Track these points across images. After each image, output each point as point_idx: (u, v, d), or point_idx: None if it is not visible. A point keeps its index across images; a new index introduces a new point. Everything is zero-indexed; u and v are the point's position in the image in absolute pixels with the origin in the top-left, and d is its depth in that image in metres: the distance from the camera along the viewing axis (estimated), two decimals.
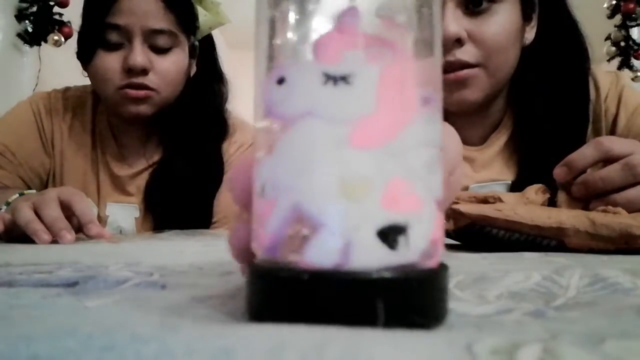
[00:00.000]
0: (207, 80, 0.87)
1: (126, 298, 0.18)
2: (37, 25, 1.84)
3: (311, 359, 0.10)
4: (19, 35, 1.84)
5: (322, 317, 0.13)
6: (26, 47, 1.88)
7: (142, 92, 0.77)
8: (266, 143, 0.15)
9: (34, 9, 1.84)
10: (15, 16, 1.83)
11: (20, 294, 0.19)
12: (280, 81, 0.14)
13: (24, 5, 1.83)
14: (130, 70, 0.75)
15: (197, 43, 0.85)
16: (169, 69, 0.78)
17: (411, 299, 0.13)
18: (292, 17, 0.15)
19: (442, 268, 0.14)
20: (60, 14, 1.85)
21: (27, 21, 1.84)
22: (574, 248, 0.37)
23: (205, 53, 0.87)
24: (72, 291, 0.20)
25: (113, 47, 0.76)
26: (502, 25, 0.63)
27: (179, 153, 0.82)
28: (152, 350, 0.11)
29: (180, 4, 0.78)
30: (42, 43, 1.87)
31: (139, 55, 0.75)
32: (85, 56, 0.78)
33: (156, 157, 0.84)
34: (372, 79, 0.14)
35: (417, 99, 0.14)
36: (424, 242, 0.14)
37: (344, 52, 0.14)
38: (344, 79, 0.14)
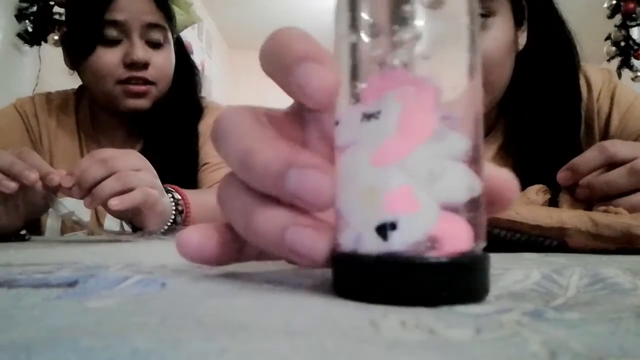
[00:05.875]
0: (182, 73, 0.92)
1: (126, 298, 0.18)
2: (37, 25, 1.84)
3: None
4: (19, 35, 1.84)
5: (342, 290, 0.18)
6: (26, 47, 1.88)
7: (143, 87, 0.81)
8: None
9: (34, 9, 1.84)
10: (15, 16, 1.83)
11: (20, 295, 0.19)
12: (336, 123, 0.19)
13: (24, 5, 1.83)
14: (131, 65, 0.79)
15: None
16: (164, 63, 0.83)
17: (393, 279, 0.17)
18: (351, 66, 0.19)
19: (445, 260, 0.17)
20: (60, 14, 1.85)
21: (27, 21, 1.84)
22: (575, 248, 0.37)
23: (176, 49, 0.92)
24: (72, 292, 0.20)
25: (112, 43, 0.79)
26: (498, 38, 0.61)
27: (159, 140, 0.86)
28: None
29: (166, 2, 0.83)
30: (42, 43, 1.87)
31: (141, 49, 0.79)
32: (81, 53, 0.80)
33: (139, 148, 0.88)
34: (394, 113, 0.17)
35: (434, 121, 0.17)
36: (416, 236, 0.17)
37: (377, 95, 0.18)
38: (374, 115, 0.18)
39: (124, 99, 0.81)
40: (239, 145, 0.20)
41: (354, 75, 0.19)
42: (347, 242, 0.18)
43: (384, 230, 0.17)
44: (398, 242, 0.17)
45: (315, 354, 0.11)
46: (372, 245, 0.17)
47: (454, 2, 0.18)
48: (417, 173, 0.17)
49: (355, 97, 0.19)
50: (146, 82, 0.81)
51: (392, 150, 0.17)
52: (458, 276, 0.17)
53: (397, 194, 0.17)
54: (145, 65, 0.79)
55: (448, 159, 0.18)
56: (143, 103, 0.82)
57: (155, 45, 0.81)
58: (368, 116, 0.18)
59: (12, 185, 0.52)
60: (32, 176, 0.52)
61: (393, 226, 0.17)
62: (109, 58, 0.78)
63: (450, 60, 0.18)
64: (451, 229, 0.17)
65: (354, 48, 0.19)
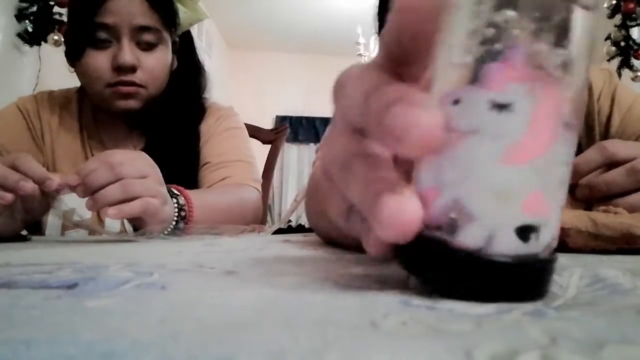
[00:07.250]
0: (187, 73, 0.92)
1: (126, 298, 0.18)
2: (37, 25, 1.84)
3: None
4: (19, 35, 1.84)
5: (461, 287, 0.18)
6: (26, 47, 1.88)
7: (131, 88, 0.81)
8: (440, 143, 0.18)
9: (34, 9, 1.84)
10: (15, 16, 1.83)
11: (19, 295, 0.19)
12: (456, 102, 0.18)
13: (24, 5, 1.83)
14: (119, 68, 0.79)
15: (177, 39, 0.89)
16: (155, 65, 0.82)
17: (530, 279, 0.18)
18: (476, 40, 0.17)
19: (554, 256, 0.19)
20: (60, 14, 1.85)
21: (27, 21, 1.84)
22: (575, 248, 0.37)
23: (184, 47, 0.92)
24: (72, 293, 0.20)
25: (102, 46, 0.79)
26: None
27: (161, 140, 0.87)
28: (152, 357, 0.11)
29: (163, 2, 0.82)
30: (42, 43, 1.87)
31: (128, 53, 0.78)
32: (74, 55, 0.81)
33: (140, 146, 0.88)
34: (528, 109, 0.17)
35: (561, 125, 0.17)
36: (548, 239, 0.18)
37: (510, 84, 0.17)
38: (506, 106, 0.17)
39: (114, 100, 0.81)
40: (357, 90, 0.20)
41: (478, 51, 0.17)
42: (473, 240, 0.17)
43: (525, 233, 0.17)
44: (535, 245, 0.18)
45: (315, 343, 0.11)
46: (508, 246, 0.17)
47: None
48: (549, 179, 0.17)
49: (476, 76, 0.17)
50: (134, 84, 0.81)
51: (524, 150, 0.17)
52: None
53: (534, 199, 0.17)
54: (133, 69, 0.80)
55: (565, 165, 0.18)
56: (133, 104, 0.82)
57: (146, 48, 0.81)
58: (499, 106, 0.17)
59: (8, 197, 0.52)
60: (28, 186, 0.52)
61: (533, 229, 0.17)
62: (98, 61, 0.79)
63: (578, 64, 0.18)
64: (559, 228, 0.19)
65: (490, 24, 0.17)
